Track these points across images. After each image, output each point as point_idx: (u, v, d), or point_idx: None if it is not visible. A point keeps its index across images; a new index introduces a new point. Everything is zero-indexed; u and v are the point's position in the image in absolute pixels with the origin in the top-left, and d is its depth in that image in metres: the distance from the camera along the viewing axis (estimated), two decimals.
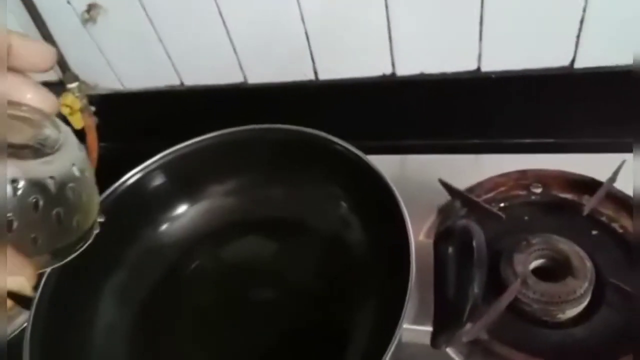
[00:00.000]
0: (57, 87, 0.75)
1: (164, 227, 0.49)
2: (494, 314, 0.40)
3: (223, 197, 0.51)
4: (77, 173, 0.25)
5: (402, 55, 0.63)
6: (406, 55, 0.63)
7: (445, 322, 0.33)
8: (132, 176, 0.47)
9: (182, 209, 0.51)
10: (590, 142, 0.57)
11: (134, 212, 0.47)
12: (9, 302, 0.46)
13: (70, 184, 0.25)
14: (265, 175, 0.49)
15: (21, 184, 0.22)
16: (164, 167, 0.48)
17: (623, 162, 0.48)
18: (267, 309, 0.44)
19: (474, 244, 0.33)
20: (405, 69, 0.65)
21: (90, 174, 0.27)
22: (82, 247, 0.27)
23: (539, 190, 0.51)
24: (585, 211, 0.46)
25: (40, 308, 0.39)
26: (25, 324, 0.39)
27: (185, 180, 0.49)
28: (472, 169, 0.55)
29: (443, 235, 0.38)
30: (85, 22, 0.67)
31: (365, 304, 0.40)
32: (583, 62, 0.58)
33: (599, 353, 0.39)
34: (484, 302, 0.41)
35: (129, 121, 0.78)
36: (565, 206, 0.49)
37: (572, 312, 0.42)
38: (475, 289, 0.32)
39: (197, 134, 0.51)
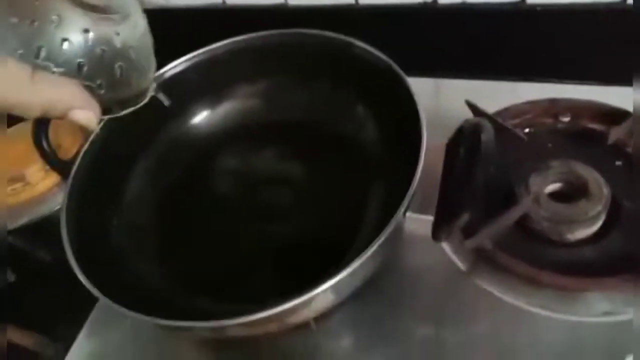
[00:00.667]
0: None
1: (193, 121, 0.52)
2: (501, 225, 0.41)
3: (249, 98, 0.53)
4: (138, 36, 0.29)
5: None
6: None
7: (446, 214, 0.34)
8: (166, 70, 0.49)
9: (211, 105, 0.53)
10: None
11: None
12: (54, 177, 0.51)
13: (132, 44, 0.29)
14: (289, 78, 0.51)
15: (91, 34, 0.27)
16: (197, 64, 0.50)
17: None
18: (287, 200, 0.46)
19: (482, 137, 0.34)
20: None
21: (149, 42, 0.31)
22: (137, 105, 0.31)
23: (567, 119, 0.50)
24: (610, 140, 0.46)
25: (76, 180, 0.43)
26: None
27: (215, 79, 0.51)
28: (505, 96, 0.54)
29: (455, 137, 0.38)
30: None
31: (376, 196, 0.42)
32: None
33: (603, 271, 0.39)
34: (493, 215, 0.42)
35: (172, 37, 0.80)
36: (591, 136, 0.48)
37: (581, 233, 0.42)
38: (477, 177, 0.33)
39: None
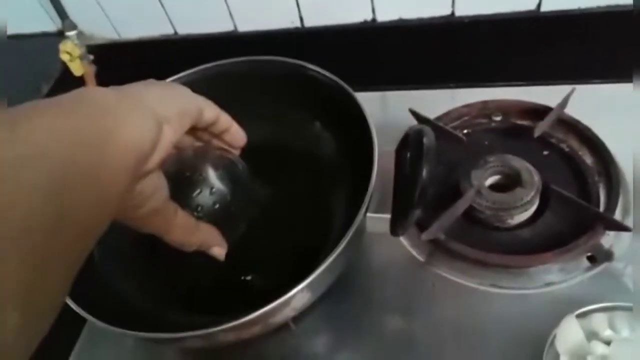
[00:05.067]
0: (55, 37, 0.79)
1: None
2: (450, 216, 0.46)
3: None
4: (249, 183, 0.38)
5: (381, 2, 0.68)
6: (385, 2, 0.68)
7: (400, 211, 0.39)
8: None
9: None
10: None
11: None
12: None
13: (241, 195, 0.37)
14: (245, 104, 0.53)
15: (216, 190, 0.35)
16: None
17: (573, 89, 0.53)
18: (258, 215, 0.50)
19: (424, 140, 0.39)
20: (384, 15, 0.69)
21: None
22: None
23: (498, 118, 0.56)
24: (537, 133, 0.52)
25: None
26: None
27: None
28: (444, 102, 0.60)
29: (402, 142, 0.43)
30: None
31: (338, 202, 0.46)
32: (548, 6, 0.63)
33: (540, 248, 0.45)
34: (442, 209, 0.47)
35: (126, 70, 0.82)
36: (521, 131, 0.54)
37: (519, 217, 0.48)
38: (423, 175, 0.38)
39: None
